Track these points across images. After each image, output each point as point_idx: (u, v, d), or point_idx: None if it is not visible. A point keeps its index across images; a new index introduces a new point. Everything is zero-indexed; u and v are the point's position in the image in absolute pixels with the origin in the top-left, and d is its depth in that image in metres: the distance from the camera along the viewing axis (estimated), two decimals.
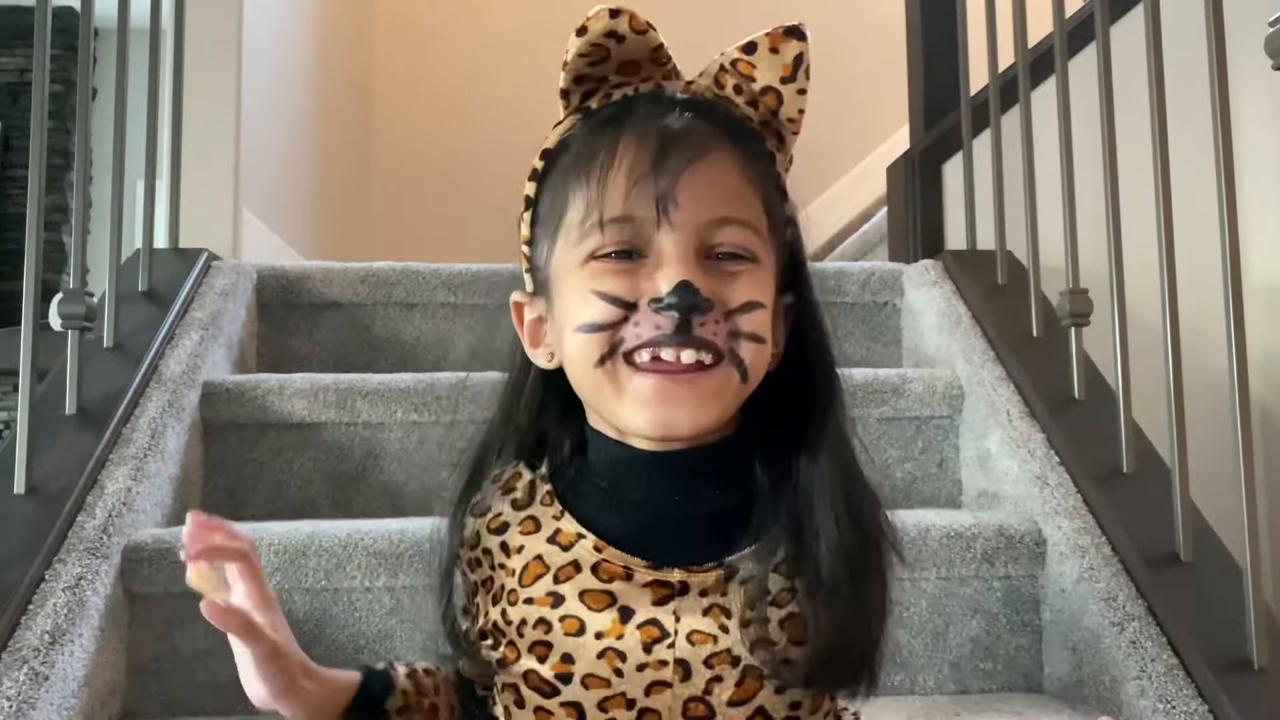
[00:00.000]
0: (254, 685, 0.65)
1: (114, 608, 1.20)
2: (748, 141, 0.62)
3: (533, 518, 0.64)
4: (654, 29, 0.60)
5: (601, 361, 0.58)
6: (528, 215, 0.64)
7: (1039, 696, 1.28)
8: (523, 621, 0.61)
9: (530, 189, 0.64)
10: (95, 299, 1.42)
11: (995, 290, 1.71)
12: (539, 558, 0.62)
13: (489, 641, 0.64)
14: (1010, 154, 1.70)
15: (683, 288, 0.56)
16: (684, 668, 0.58)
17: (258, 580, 0.66)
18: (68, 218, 4.43)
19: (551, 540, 0.62)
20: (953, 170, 2.14)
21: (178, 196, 1.82)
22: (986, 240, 1.79)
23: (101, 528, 1.24)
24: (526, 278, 0.66)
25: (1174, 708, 1.08)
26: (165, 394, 1.46)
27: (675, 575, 0.60)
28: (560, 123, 0.63)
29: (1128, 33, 1.50)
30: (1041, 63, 1.72)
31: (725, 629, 0.58)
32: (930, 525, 1.29)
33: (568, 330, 0.60)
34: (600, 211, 0.58)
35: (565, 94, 0.62)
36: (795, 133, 0.63)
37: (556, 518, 0.63)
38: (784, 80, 0.60)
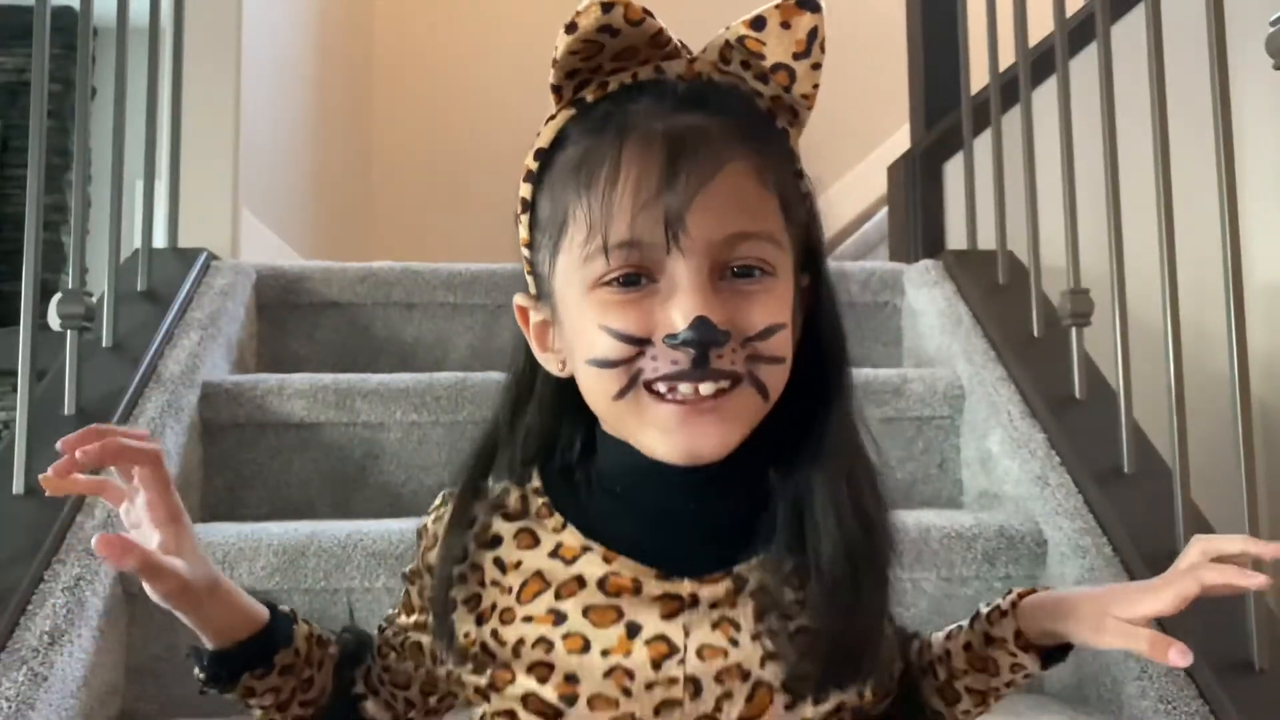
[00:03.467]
0: (152, 594, 0.59)
1: (113, 608, 1.20)
2: (763, 134, 0.56)
3: (529, 530, 0.60)
4: (651, 15, 0.54)
5: (621, 394, 0.55)
6: (525, 218, 0.60)
7: (1039, 697, 1.27)
8: (520, 641, 0.57)
9: (526, 190, 0.59)
10: (94, 299, 1.42)
11: (996, 290, 1.71)
12: (539, 573, 0.58)
13: (469, 666, 0.59)
14: (1011, 154, 1.70)
15: (699, 324, 0.51)
16: (695, 684, 0.55)
17: (165, 488, 0.59)
18: (66, 218, 4.42)
19: (554, 555, 0.59)
20: (953, 170, 2.13)
21: (176, 196, 1.81)
22: (987, 240, 1.79)
23: (100, 528, 1.23)
24: (529, 279, 0.61)
25: (1175, 708, 1.08)
26: (164, 394, 1.46)
27: (686, 587, 0.57)
28: (553, 117, 0.58)
29: (1128, 32, 1.50)
30: (1042, 62, 1.72)
31: (735, 643, 0.56)
32: (931, 526, 1.28)
33: (580, 358, 0.57)
34: (604, 235, 0.53)
35: (557, 89, 0.57)
36: (809, 108, 0.57)
37: (557, 530, 0.59)
38: (796, 56, 0.55)
